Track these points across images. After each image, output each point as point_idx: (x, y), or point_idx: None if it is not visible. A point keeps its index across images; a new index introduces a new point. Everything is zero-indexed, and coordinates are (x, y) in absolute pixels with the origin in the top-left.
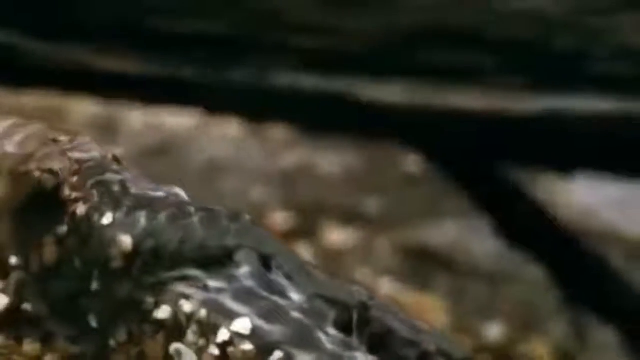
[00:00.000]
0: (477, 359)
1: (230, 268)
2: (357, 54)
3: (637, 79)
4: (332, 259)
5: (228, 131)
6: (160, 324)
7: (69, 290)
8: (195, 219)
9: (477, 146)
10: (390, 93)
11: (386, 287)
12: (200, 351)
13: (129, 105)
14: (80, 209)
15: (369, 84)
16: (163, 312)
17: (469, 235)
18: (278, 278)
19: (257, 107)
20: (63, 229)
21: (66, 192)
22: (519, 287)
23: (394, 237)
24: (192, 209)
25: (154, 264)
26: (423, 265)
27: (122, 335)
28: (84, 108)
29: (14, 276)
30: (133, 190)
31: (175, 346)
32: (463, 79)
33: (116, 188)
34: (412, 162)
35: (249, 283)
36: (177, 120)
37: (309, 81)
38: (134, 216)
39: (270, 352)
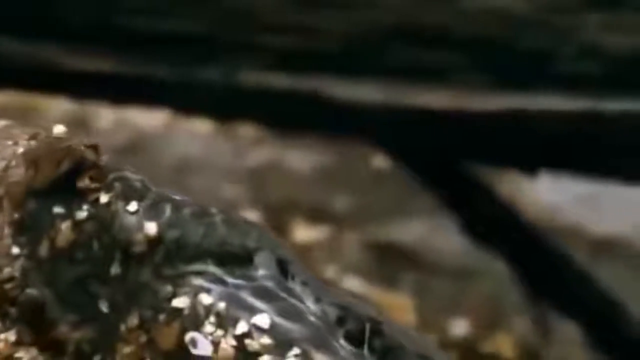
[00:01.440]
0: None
1: (249, 268)
2: (327, 54)
3: (602, 78)
4: (301, 256)
5: (198, 129)
6: (177, 312)
7: (80, 275)
8: (217, 218)
9: (444, 144)
10: (360, 92)
11: (353, 283)
12: (216, 341)
13: (101, 104)
14: (103, 197)
15: (338, 83)
16: (181, 302)
17: (435, 233)
18: (294, 283)
19: (227, 106)
20: (82, 214)
21: (86, 181)
22: (485, 284)
23: (362, 235)
24: (214, 210)
25: (176, 254)
26: (390, 262)
27: (133, 320)
28: (56, 106)
29: (19, 261)
30: (153, 188)
31: (191, 335)
32: (431, 78)
33: (137, 184)
34: (381, 160)
35: (268, 284)
36: (148, 118)
37: (279, 80)
38: (159, 207)
39: (288, 348)
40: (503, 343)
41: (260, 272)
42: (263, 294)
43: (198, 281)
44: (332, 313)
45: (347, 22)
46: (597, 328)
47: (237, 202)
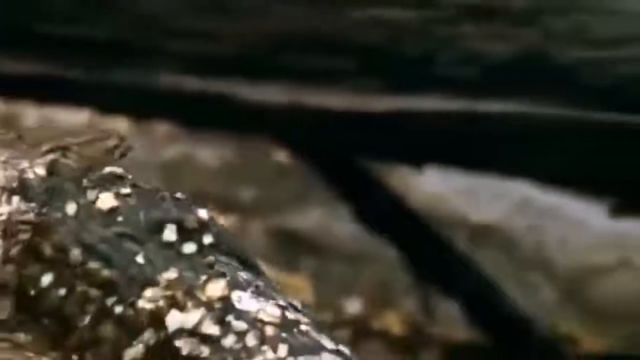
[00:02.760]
0: (339, 332)
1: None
2: (233, 58)
3: (478, 81)
4: None
5: (117, 127)
6: (221, 275)
7: (117, 233)
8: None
9: (339, 142)
10: (263, 93)
11: None
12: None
13: (25, 104)
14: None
15: (243, 84)
16: (222, 268)
17: (332, 221)
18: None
19: (142, 106)
20: (125, 190)
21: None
22: (376, 267)
23: (265, 223)
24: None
25: (220, 241)
26: (291, 247)
27: (172, 274)
28: None
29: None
30: None
31: (238, 293)
32: (326, 81)
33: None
34: (282, 156)
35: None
36: (70, 117)
37: (188, 82)
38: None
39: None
40: (392, 321)
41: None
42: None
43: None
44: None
45: (249, 30)
46: (476, 307)
47: None
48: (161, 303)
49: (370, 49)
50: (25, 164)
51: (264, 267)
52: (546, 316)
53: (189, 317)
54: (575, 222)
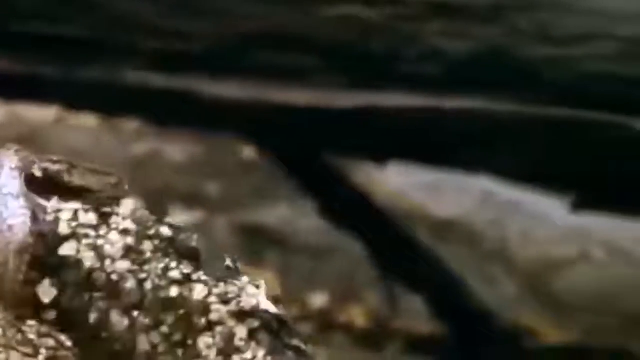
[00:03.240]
0: (303, 325)
1: None
2: (198, 55)
3: (441, 78)
4: None
5: (85, 124)
6: None
7: None
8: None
9: (304, 137)
10: (228, 90)
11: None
12: None
13: None
14: None
15: (208, 81)
16: None
17: (297, 216)
18: None
19: (110, 102)
20: None
21: None
22: (340, 261)
23: (231, 217)
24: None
25: None
26: (257, 242)
27: None
28: None
29: None
30: None
31: None
32: (292, 78)
33: None
34: (248, 152)
35: None
36: (39, 113)
37: (156, 79)
38: None
39: None
40: (356, 314)
41: None
42: None
43: None
44: None
45: (214, 28)
46: (439, 301)
47: None
48: None
49: (336, 46)
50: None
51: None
52: (508, 309)
53: None
54: (537, 217)
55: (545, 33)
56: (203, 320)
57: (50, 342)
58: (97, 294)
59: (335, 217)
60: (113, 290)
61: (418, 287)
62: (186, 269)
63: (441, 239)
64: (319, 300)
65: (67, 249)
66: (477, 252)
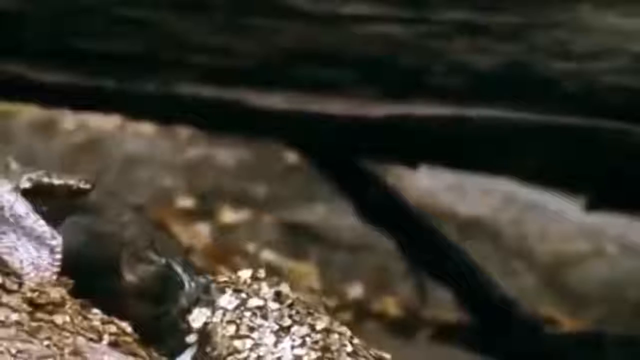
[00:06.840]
0: (342, 315)
1: None
2: (245, 70)
3: (467, 90)
4: (227, 234)
5: (143, 131)
6: None
7: None
8: None
9: (341, 144)
10: (273, 100)
11: (269, 256)
12: None
13: (64, 110)
14: None
15: (255, 93)
16: None
17: (335, 215)
18: None
19: (166, 112)
20: None
21: None
22: (375, 256)
23: (276, 216)
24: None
25: None
26: (298, 238)
27: None
28: (27, 112)
29: None
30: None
31: None
32: (330, 89)
33: None
34: (291, 156)
35: None
36: (103, 122)
37: (207, 91)
38: None
39: None
40: (389, 304)
41: None
42: None
43: None
44: None
45: (259, 45)
46: (465, 292)
47: (175, 190)
48: None
49: (369, 61)
50: None
51: (273, 255)
52: (527, 299)
53: None
54: (554, 216)
55: (564, 49)
56: None
57: (113, 328)
58: None
59: (369, 216)
60: None
61: (446, 280)
62: None
63: (466, 236)
64: (354, 291)
65: None
66: (499, 248)
